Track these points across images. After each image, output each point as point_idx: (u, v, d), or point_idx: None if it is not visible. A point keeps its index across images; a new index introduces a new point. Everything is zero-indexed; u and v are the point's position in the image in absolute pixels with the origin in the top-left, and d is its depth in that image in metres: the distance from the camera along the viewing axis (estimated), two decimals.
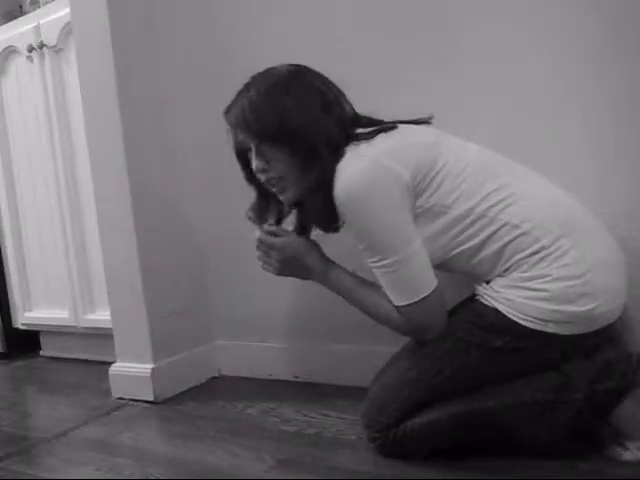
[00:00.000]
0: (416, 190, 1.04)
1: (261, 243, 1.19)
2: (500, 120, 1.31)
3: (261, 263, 1.21)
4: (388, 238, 1.04)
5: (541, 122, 1.28)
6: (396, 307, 1.07)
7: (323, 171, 1.06)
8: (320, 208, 1.09)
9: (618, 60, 1.20)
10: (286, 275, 1.21)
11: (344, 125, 1.09)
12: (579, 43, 1.23)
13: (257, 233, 1.20)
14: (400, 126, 1.10)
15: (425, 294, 1.04)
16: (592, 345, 1.02)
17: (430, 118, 1.16)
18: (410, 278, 1.05)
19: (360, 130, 1.09)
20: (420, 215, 1.05)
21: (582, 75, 1.24)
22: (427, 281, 1.05)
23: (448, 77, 1.36)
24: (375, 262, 1.06)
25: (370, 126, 1.10)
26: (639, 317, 1.10)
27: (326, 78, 1.15)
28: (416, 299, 1.04)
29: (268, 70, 1.15)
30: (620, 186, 1.22)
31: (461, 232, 1.04)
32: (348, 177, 1.04)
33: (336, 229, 1.17)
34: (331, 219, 1.12)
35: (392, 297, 1.07)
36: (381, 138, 1.06)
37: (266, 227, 1.20)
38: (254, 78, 1.15)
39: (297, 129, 1.07)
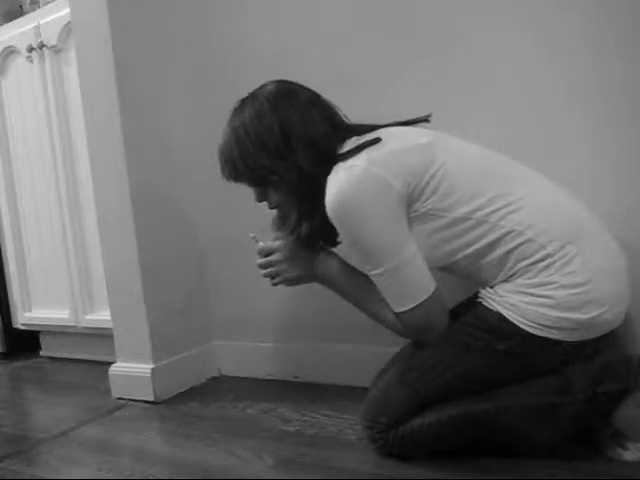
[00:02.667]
0: (411, 197, 1.03)
1: (261, 252, 1.23)
2: (499, 120, 1.31)
3: (269, 279, 1.23)
4: (380, 247, 1.04)
5: (540, 122, 1.28)
6: (396, 314, 1.07)
7: (314, 191, 1.08)
8: (319, 224, 1.11)
9: (618, 60, 1.20)
10: (294, 280, 1.22)
11: (332, 143, 1.10)
12: (580, 43, 1.23)
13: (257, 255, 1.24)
14: (390, 134, 1.09)
15: (422, 299, 1.04)
16: (593, 349, 1.02)
17: (428, 116, 1.16)
18: (405, 285, 1.05)
19: (346, 149, 1.08)
20: (416, 219, 1.05)
21: (581, 75, 1.24)
22: (423, 286, 1.05)
23: (449, 77, 1.36)
24: (370, 270, 1.07)
25: (363, 133, 1.09)
26: (639, 319, 1.10)
27: (312, 96, 1.15)
28: (413, 305, 1.04)
29: (247, 101, 1.15)
30: (619, 186, 1.23)
31: (460, 235, 1.03)
32: (337, 188, 1.04)
33: (336, 243, 1.19)
34: (331, 234, 1.13)
35: (390, 304, 1.07)
36: (369, 150, 1.05)
37: (260, 244, 1.23)
38: (235, 113, 1.16)
39: (277, 165, 1.10)
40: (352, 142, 1.09)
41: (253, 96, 1.16)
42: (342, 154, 1.07)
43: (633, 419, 1.01)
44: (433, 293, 1.05)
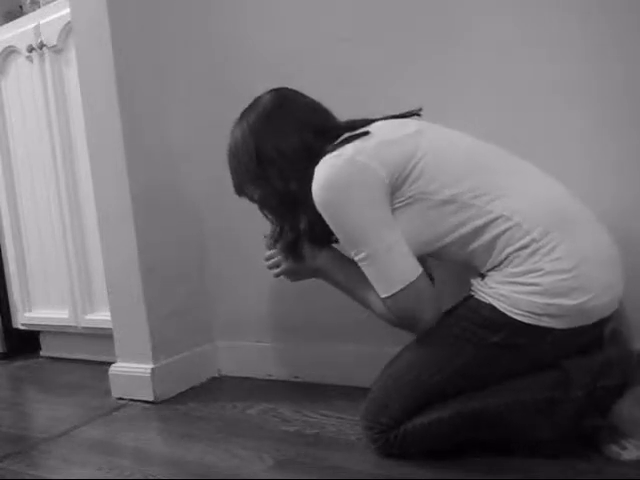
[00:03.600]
0: (395, 185, 1.06)
1: (268, 247, 1.30)
2: (499, 119, 1.31)
3: (275, 270, 1.29)
4: (362, 231, 1.06)
5: (539, 121, 1.28)
6: (382, 300, 1.09)
7: (294, 207, 1.15)
8: (304, 233, 1.17)
9: (617, 60, 1.20)
10: (293, 271, 1.26)
11: (316, 150, 1.12)
12: (580, 43, 1.23)
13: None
14: (379, 127, 1.12)
15: (404, 284, 1.05)
16: (590, 340, 1.03)
17: (419, 110, 1.19)
18: (388, 269, 1.06)
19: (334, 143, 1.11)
20: (403, 203, 1.06)
21: (580, 75, 1.24)
22: (406, 272, 1.06)
23: (449, 77, 1.36)
24: (355, 256, 1.09)
25: (355, 129, 1.12)
26: (639, 316, 1.10)
27: (308, 103, 1.19)
28: (396, 290, 1.06)
29: (241, 117, 1.21)
30: (618, 186, 1.23)
31: (446, 217, 1.05)
32: (323, 174, 1.07)
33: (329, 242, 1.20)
34: (325, 234, 1.15)
35: (376, 289, 1.09)
36: (357, 141, 1.08)
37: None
38: (232, 130, 1.22)
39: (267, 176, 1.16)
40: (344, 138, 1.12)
41: (246, 112, 1.21)
42: (332, 146, 1.10)
43: (632, 417, 1.01)
44: (417, 279, 1.06)
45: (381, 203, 1.06)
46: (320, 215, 1.09)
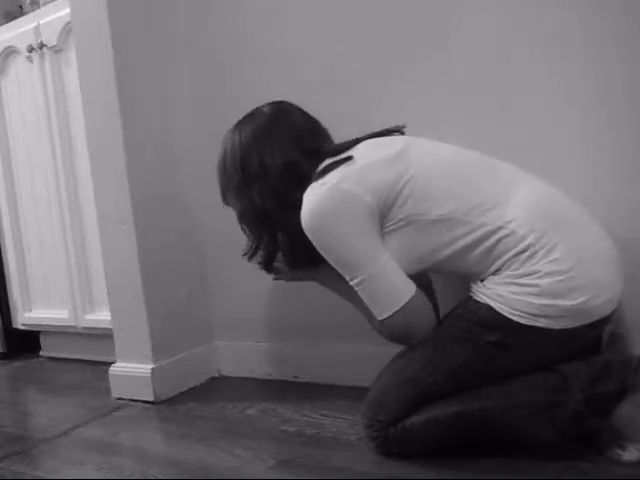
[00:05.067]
0: (385, 207, 1.06)
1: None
2: (499, 120, 1.31)
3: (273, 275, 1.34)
4: (352, 258, 1.08)
5: (538, 121, 1.28)
6: (379, 321, 1.10)
7: (273, 224, 1.18)
8: (296, 246, 1.18)
9: (617, 60, 1.20)
10: (290, 278, 1.33)
11: (303, 170, 1.13)
12: (579, 43, 1.23)
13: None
14: (364, 148, 1.12)
15: (399, 306, 1.06)
16: (589, 342, 1.03)
17: (403, 127, 1.19)
18: (381, 293, 1.07)
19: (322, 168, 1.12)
20: (394, 226, 1.07)
21: (580, 75, 1.24)
22: (399, 294, 1.07)
23: (449, 77, 1.36)
24: (349, 280, 1.10)
25: (341, 152, 1.12)
26: (639, 319, 1.10)
27: (306, 121, 1.19)
28: (390, 312, 1.07)
29: (240, 124, 1.21)
30: (618, 186, 1.22)
31: (439, 235, 1.05)
32: (310, 204, 1.08)
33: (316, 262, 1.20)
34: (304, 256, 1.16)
35: (373, 312, 1.10)
36: (342, 168, 1.09)
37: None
38: (224, 140, 1.23)
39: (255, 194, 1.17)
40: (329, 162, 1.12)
41: (242, 122, 1.21)
42: (317, 173, 1.11)
43: (632, 419, 1.01)
44: (411, 299, 1.07)
45: (368, 228, 1.07)
46: (298, 237, 1.10)
